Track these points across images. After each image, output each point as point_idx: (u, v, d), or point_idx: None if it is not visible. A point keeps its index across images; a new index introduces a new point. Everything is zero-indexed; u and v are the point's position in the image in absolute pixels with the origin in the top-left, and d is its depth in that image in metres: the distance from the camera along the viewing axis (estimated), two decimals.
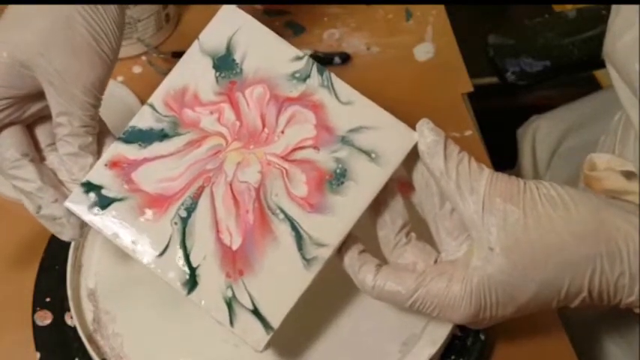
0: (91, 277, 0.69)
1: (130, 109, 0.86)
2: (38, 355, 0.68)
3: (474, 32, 1.01)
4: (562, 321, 0.72)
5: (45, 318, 0.69)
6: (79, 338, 0.66)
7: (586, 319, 0.80)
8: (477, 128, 0.88)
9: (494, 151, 0.89)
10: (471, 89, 0.90)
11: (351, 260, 0.57)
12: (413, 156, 0.58)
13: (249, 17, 0.62)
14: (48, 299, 0.70)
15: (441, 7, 0.96)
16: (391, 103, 0.88)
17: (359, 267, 0.57)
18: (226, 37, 0.61)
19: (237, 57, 0.61)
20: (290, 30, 0.94)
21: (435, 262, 0.57)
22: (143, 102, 0.87)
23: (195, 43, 0.61)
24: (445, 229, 0.57)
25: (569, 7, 1.49)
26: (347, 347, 0.66)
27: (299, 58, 0.61)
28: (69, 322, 0.69)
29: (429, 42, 0.93)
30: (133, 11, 0.89)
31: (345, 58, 0.91)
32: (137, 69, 0.91)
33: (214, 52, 0.61)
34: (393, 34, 0.93)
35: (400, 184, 0.60)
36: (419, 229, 0.59)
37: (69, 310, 0.68)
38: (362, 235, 0.59)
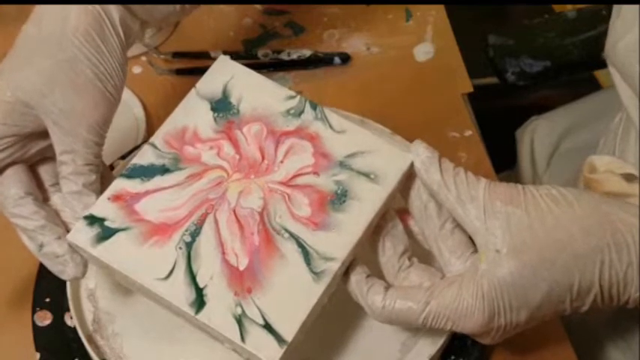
0: (91, 277, 0.69)
1: (129, 109, 0.86)
2: (38, 355, 0.68)
3: (474, 32, 1.01)
4: (564, 324, 0.72)
5: (45, 318, 0.69)
6: (79, 338, 0.66)
7: (588, 322, 0.79)
8: (476, 128, 0.88)
9: (494, 151, 0.89)
10: (471, 89, 0.90)
11: (359, 284, 0.57)
12: (409, 182, 0.60)
13: (242, 66, 0.65)
14: (48, 299, 0.70)
15: (441, 7, 0.95)
16: (391, 104, 0.88)
17: (367, 289, 0.57)
18: (222, 83, 0.64)
19: (233, 100, 0.63)
20: (290, 30, 0.94)
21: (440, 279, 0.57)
22: (143, 102, 0.87)
23: (193, 91, 0.64)
24: (448, 248, 0.57)
25: (569, 7, 1.49)
26: (347, 347, 0.66)
27: (292, 97, 0.63)
28: (69, 322, 0.69)
29: (429, 42, 0.93)
30: None
31: (345, 58, 0.91)
32: (137, 69, 0.91)
33: (211, 96, 0.64)
34: (393, 35, 0.93)
35: (399, 212, 0.60)
36: (418, 256, 0.60)
37: (69, 310, 0.68)
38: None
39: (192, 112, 0.63)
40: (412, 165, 0.59)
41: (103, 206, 0.60)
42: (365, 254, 0.60)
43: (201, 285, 0.57)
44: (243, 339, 0.55)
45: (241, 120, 0.63)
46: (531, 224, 0.54)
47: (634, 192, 0.59)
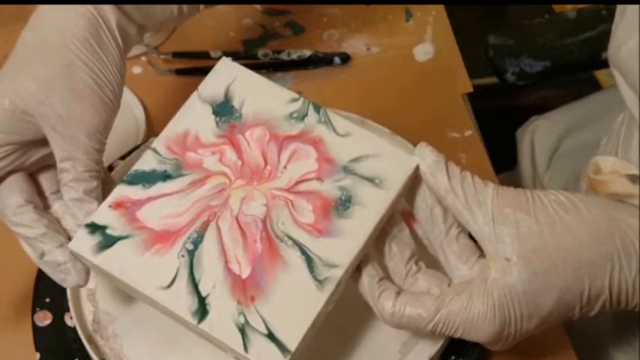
0: (91, 278, 0.69)
1: (129, 109, 0.86)
2: (38, 355, 0.68)
3: (474, 32, 1.01)
4: (565, 326, 0.71)
5: (45, 318, 0.69)
6: (79, 339, 0.66)
7: (590, 324, 0.79)
8: (476, 128, 0.88)
9: (494, 151, 0.89)
10: (471, 89, 0.90)
11: (371, 287, 0.57)
12: (414, 186, 0.59)
13: (244, 68, 0.64)
14: (48, 299, 0.70)
15: (441, 7, 0.95)
16: (391, 104, 0.88)
17: (379, 294, 0.57)
18: (224, 86, 0.63)
19: (235, 103, 0.63)
20: (290, 30, 0.94)
21: (449, 286, 0.57)
22: (143, 102, 0.87)
23: (195, 94, 0.63)
24: (453, 253, 0.57)
25: (569, 7, 1.49)
26: (347, 347, 0.66)
27: (295, 100, 0.63)
28: (69, 322, 0.69)
29: (429, 42, 0.93)
30: None
31: (345, 58, 0.91)
32: (137, 69, 0.91)
33: (213, 99, 0.63)
34: (393, 35, 0.93)
35: (404, 216, 0.60)
36: (425, 260, 0.60)
37: (69, 310, 0.68)
38: None
39: (194, 116, 0.63)
40: (417, 168, 0.58)
41: (104, 214, 0.59)
42: (373, 256, 0.59)
43: (203, 294, 0.57)
44: (246, 349, 0.55)
45: (244, 124, 0.62)
46: (541, 231, 0.54)
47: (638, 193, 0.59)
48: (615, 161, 0.61)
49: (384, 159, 0.60)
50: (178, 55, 0.91)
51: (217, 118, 0.63)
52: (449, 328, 0.55)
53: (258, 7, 0.96)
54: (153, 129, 0.85)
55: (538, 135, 1.01)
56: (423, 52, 0.92)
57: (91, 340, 0.67)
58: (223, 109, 0.63)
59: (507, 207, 0.54)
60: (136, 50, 0.91)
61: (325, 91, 0.88)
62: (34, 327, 0.69)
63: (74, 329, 0.67)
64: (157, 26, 0.67)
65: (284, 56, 0.90)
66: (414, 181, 0.59)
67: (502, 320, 0.54)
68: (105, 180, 0.62)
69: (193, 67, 0.90)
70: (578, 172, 0.78)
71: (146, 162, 0.61)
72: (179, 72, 0.90)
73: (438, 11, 0.95)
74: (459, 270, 0.57)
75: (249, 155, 0.61)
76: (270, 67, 0.90)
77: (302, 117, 0.62)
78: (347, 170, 0.60)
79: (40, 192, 0.63)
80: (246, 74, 0.64)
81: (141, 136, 0.85)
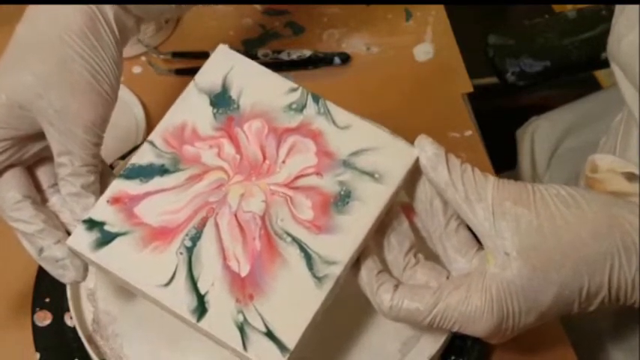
0: (90, 277, 0.69)
1: (129, 109, 0.86)
2: (38, 355, 0.68)
3: (474, 32, 1.01)
4: (564, 323, 0.71)
5: (45, 318, 0.69)
6: (79, 339, 0.66)
7: (588, 321, 0.79)
8: (476, 128, 0.88)
9: (494, 151, 0.89)
10: (471, 89, 0.90)
11: (369, 280, 0.57)
12: (414, 178, 0.59)
13: (242, 56, 0.64)
14: (48, 299, 0.70)
15: (441, 7, 0.95)
16: (391, 104, 0.88)
17: (377, 287, 0.56)
18: (221, 76, 0.63)
19: (233, 94, 0.62)
20: (290, 30, 0.94)
21: (447, 279, 0.57)
22: (143, 102, 0.87)
23: (192, 83, 0.63)
24: (453, 246, 0.57)
25: (569, 7, 1.49)
26: (347, 346, 0.66)
27: (293, 90, 0.62)
28: (69, 322, 0.69)
29: (429, 42, 0.93)
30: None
31: (345, 58, 0.91)
32: (137, 69, 0.91)
33: (210, 90, 0.62)
34: (393, 35, 0.93)
35: (403, 208, 0.60)
36: (424, 253, 0.59)
37: (69, 310, 0.68)
38: None
39: (191, 107, 0.62)
40: (417, 161, 0.58)
41: (102, 209, 0.59)
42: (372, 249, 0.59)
43: (202, 291, 0.57)
44: (245, 347, 0.55)
45: (242, 116, 0.62)
46: (541, 226, 0.53)
47: (636, 191, 0.59)
48: (613, 160, 0.61)
49: (384, 152, 0.60)
50: (178, 55, 0.91)
51: (215, 110, 0.62)
52: (446, 322, 0.55)
53: (258, 7, 0.96)
54: (153, 129, 0.85)
55: (538, 135, 1.02)
56: (423, 52, 0.92)
57: (91, 340, 0.67)
58: (221, 100, 0.62)
59: (507, 200, 0.54)
60: (136, 50, 0.91)
61: (325, 91, 0.87)
62: (34, 327, 0.69)
63: (74, 329, 0.67)
64: (155, 17, 0.66)
65: (284, 56, 0.90)
66: (414, 173, 0.58)
67: (500, 315, 0.54)
68: (103, 172, 0.62)
69: (193, 67, 0.90)
70: (578, 172, 0.78)
71: (143, 155, 0.61)
72: (179, 72, 0.90)
73: (438, 11, 0.95)
74: (457, 263, 0.57)
75: (247, 149, 0.61)
76: (270, 67, 0.90)
77: (301, 108, 0.62)
78: (346, 164, 0.60)
79: (37, 185, 0.62)
80: (244, 62, 0.63)
81: (141, 135, 0.85)
